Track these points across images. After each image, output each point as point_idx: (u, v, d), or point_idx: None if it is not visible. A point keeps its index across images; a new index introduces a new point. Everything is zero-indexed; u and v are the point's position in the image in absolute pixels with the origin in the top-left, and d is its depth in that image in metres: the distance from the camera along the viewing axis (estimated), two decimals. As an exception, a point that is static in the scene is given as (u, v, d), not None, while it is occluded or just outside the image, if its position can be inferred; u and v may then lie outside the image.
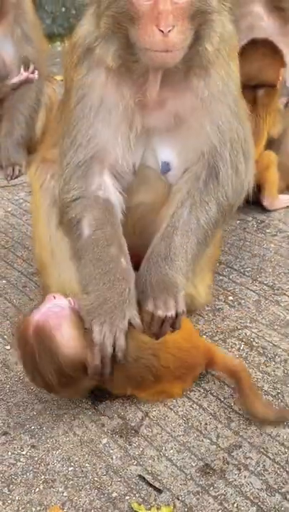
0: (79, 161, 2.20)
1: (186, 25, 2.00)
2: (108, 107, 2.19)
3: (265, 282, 2.80)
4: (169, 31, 1.95)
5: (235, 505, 1.82)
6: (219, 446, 2.00)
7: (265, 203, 3.33)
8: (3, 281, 2.89)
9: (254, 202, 3.28)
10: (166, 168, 2.28)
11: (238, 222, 3.27)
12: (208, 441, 2.03)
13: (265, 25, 3.45)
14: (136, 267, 2.26)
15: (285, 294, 2.73)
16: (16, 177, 3.89)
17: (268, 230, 3.22)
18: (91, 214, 2.17)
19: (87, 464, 1.96)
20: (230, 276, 2.86)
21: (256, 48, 3.23)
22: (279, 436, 2.02)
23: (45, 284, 2.54)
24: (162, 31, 1.95)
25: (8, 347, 2.46)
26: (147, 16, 1.98)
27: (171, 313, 2.07)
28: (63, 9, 8.10)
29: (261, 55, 3.24)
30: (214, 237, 2.34)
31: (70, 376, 1.98)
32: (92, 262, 2.13)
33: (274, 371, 2.29)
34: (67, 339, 1.97)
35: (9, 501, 1.86)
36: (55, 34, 7.51)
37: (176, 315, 2.08)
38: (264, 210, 3.36)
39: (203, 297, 2.54)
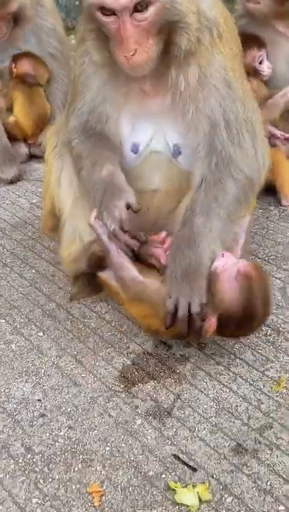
0: (81, 121, 2.44)
1: (152, 41, 2.11)
2: (105, 87, 2.35)
3: (290, 270, 2.85)
4: (132, 54, 2.09)
5: (268, 483, 1.88)
6: (251, 427, 2.06)
7: (284, 202, 3.35)
8: (33, 271, 2.95)
9: (275, 191, 3.34)
10: (177, 151, 2.35)
11: (261, 211, 3.31)
12: (239, 422, 2.08)
13: None
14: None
15: (309, 280, 2.78)
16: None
17: (290, 219, 3.26)
18: (88, 148, 2.41)
19: (123, 444, 2.03)
20: (255, 264, 2.90)
21: None
22: (309, 417, 2.08)
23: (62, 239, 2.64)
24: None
25: (41, 333, 2.53)
26: (115, 36, 2.11)
27: (195, 310, 2.14)
28: (77, 2, 8.13)
29: None
30: (239, 214, 2.35)
31: None
32: (85, 181, 2.41)
33: (301, 356, 2.34)
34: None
35: (50, 479, 1.93)
36: (68, 28, 7.54)
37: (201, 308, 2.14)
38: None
39: None
